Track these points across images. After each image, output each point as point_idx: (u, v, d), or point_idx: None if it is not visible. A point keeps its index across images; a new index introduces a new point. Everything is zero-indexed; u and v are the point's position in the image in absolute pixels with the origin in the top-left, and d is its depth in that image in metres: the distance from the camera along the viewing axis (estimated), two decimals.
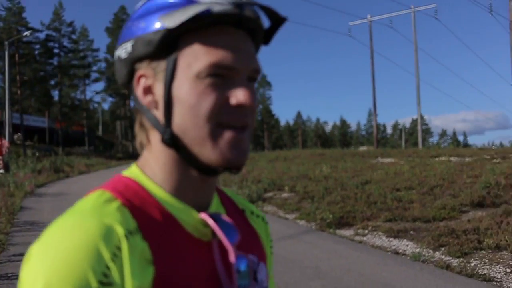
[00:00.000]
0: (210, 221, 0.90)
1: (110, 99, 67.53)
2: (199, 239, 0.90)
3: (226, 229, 0.91)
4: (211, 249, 0.92)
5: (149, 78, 0.91)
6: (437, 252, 7.32)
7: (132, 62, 0.91)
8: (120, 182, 0.90)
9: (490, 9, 33.47)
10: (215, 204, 0.99)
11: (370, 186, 12.95)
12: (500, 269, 6.38)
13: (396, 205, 10.61)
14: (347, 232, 9.18)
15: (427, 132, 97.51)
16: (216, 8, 0.84)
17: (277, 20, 0.94)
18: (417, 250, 7.44)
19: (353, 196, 11.75)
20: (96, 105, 79.53)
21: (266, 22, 0.97)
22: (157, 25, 0.87)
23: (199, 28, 0.87)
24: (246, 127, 0.89)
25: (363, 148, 30.01)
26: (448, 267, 6.59)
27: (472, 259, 6.86)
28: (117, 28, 60.40)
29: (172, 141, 0.88)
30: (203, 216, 0.90)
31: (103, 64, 63.54)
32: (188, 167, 0.90)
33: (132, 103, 1.01)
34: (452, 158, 18.09)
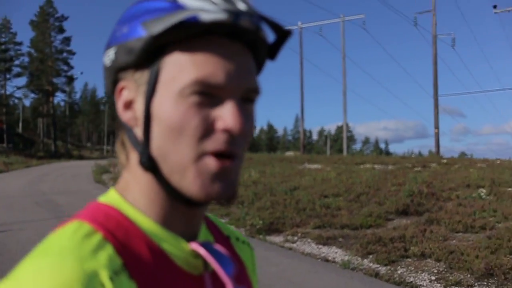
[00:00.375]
0: (203, 252, 0.80)
1: (32, 95, 65.10)
2: (190, 273, 0.80)
3: (220, 259, 0.81)
4: (203, 284, 0.82)
5: (130, 91, 0.80)
6: (365, 260, 7.46)
7: (116, 71, 0.81)
8: (99, 210, 0.79)
9: (415, 22, 35.00)
10: (203, 232, 0.88)
11: (298, 192, 13.11)
12: (425, 277, 6.58)
13: (325, 212, 10.78)
14: (277, 239, 9.20)
15: (351, 139, 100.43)
16: (205, 16, 0.73)
17: (282, 34, 0.82)
18: (346, 257, 7.55)
19: (282, 202, 11.83)
20: (16, 100, 75.99)
21: (271, 34, 0.84)
22: (140, 31, 0.76)
23: (187, 38, 0.76)
24: (234, 156, 0.76)
25: (289, 153, 30.43)
26: (376, 275, 6.72)
27: (399, 267, 7.04)
28: (43, 22, 58.12)
29: (150, 164, 0.78)
30: (194, 246, 0.80)
31: (26, 59, 60.97)
32: (171, 196, 0.79)
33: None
34: (376, 166, 18.67)
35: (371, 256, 7.58)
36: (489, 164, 18.11)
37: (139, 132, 0.80)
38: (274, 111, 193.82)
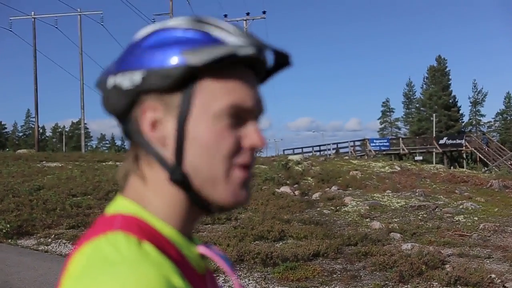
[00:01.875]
0: (212, 255, 0.88)
1: None
2: (199, 274, 0.87)
3: (223, 260, 0.89)
4: (206, 282, 0.89)
5: (158, 112, 0.83)
6: None
7: (140, 93, 0.83)
8: (129, 222, 0.81)
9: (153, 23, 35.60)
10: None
11: (44, 192, 12.45)
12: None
13: (76, 211, 10.58)
14: (29, 242, 8.73)
15: (87, 135, 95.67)
16: (242, 52, 0.82)
17: (281, 64, 0.93)
18: None
19: (28, 203, 11.10)
20: None
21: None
22: (177, 59, 0.80)
23: (218, 67, 0.83)
24: (252, 165, 0.88)
25: (22, 151, 27.99)
26: None
27: None
28: None
29: (183, 180, 0.83)
30: (203, 250, 0.87)
31: None
32: (193, 205, 0.86)
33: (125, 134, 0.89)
34: (118, 163, 18.70)
35: None
36: None
37: (166, 150, 0.83)
38: (2, 105, 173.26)
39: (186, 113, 0.82)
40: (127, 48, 0.87)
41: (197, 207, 0.85)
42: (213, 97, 0.82)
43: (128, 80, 0.82)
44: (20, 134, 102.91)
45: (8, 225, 9.13)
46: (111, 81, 0.85)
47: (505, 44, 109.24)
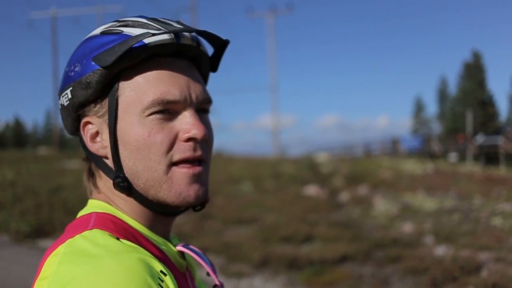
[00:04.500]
0: (191, 253, 0.90)
1: None
2: (180, 272, 0.89)
3: (201, 257, 0.91)
4: (186, 280, 0.90)
5: (94, 124, 0.85)
6: None
7: (75, 108, 0.85)
8: (104, 219, 0.82)
9: (174, 19, 35.90)
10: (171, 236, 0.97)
11: (64, 192, 12.39)
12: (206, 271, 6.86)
13: None
14: (48, 243, 8.58)
15: None
16: (151, 39, 0.79)
17: (220, 44, 0.90)
18: None
19: (47, 204, 11.03)
20: None
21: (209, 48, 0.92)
22: (93, 65, 0.80)
23: (137, 63, 0.81)
24: (202, 160, 0.84)
25: (43, 150, 28.49)
26: None
27: None
28: None
29: (125, 186, 0.83)
30: (181, 249, 0.89)
31: None
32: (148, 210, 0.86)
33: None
34: None
35: None
36: (247, 160, 19.66)
37: (109, 161, 0.85)
38: (22, 105, 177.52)
39: (114, 117, 0.82)
40: (64, 71, 0.87)
41: (149, 209, 0.85)
42: (136, 95, 0.81)
43: (64, 98, 0.85)
44: (41, 133, 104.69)
45: (27, 226, 9.03)
46: (59, 102, 0.88)
47: None
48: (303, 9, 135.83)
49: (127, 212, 0.85)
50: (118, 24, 0.85)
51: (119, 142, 0.82)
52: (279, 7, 36.90)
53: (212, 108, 0.89)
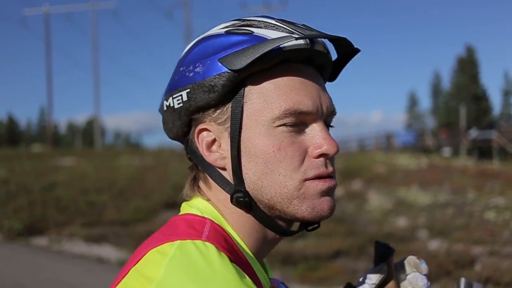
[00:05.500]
0: None
1: None
2: None
3: None
4: None
5: (212, 131, 0.78)
6: None
7: (190, 112, 0.78)
8: (218, 232, 0.75)
9: (168, 15, 35.80)
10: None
11: (57, 190, 12.33)
12: None
13: (90, 209, 10.38)
14: (41, 241, 8.55)
15: (102, 132, 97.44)
16: (288, 44, 0.73)
17: (348, 53, 0.83)
18: (121, 255, 7.41)
19: (41, 201, 10.97)
20: None
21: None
22: (219, 67, 0.73)
23: (266, 68, 0.75)
24: (331, 176, 0.78)
25: (36, 147, 28.39)
26: None
27: None
28: None
29: (246, 202, 0.77)
30: (275, 285, 0.87)
31: None
32: (266, 229, 0.80)
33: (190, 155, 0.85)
34: (134, 159, 18.63)
35: None
36: None
37: (226, 172, 0.78)
38: (15, 102, 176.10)
39: (238, 125, 0.75)
40: (175, 67, 0.82)
41: (268, 228, 0.80)
42: (265, 103, 0.74)
43: (177, 100, 0.78)
44: (35, 130, 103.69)
45: (20, 224, 8.99)
46: (165, 103, 0.82)
47: None
48: (297, 4, 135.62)
49: (236, 228, 0.79)
50: (242, 23, 0.79)
51: (241, 154, 0.76)
52: (273, 3, 37.00)
53: None
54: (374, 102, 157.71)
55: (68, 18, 38.75)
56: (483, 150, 39.81)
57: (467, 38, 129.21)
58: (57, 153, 22.51)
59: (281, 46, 0.72)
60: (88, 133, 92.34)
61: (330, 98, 0.80)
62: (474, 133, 39.88)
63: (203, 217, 0.78)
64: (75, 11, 37.34)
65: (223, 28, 0.79)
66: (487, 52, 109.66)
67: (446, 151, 36.16)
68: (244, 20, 0.79)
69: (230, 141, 0.76)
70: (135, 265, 0.72)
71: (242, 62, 0.71)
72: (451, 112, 59.56)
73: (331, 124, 0.82)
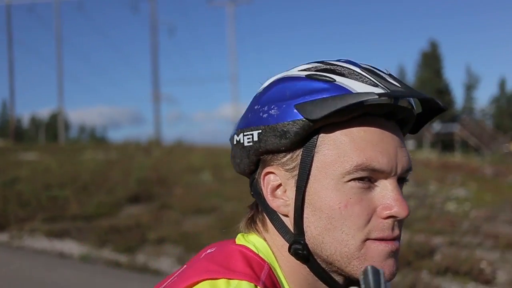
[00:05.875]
0: None
1: None
2: None
3: None
4: None
5: (279, 176, 0.76)
6: (104, 250, 7.34)
7: (259, 153, 0.76)
8: (269, 276, 0.74)
9: (133, 9, 35.35)
10: None
11: (19, 185, 12.07)
12: (166, 261, 6.82)
13: (53, 204, 10.18)
14: (1, 237, 8.36)
15: (66, 126, 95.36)
16: (371, 102, 0.69)
17: (433, 110, 0.79)
18: (84, 250, 7.31)
19: (2, 197, 10.72)
20: None
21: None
22: (295, 114, 0.70)
23: (346, 120, 0.72)
24: (397, 238, 0.75)
25: None
26: (118, 264, 6.69)
27: (139, 254, 7.13)
28: None
29: (304, 255, 0.75)
30: None
31: None
32: (318, 282, 0.77)
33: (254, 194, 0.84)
34: (98, 154, 18.37)
35: (109, 246, 7.49)
36: (207, 149, 19.56)
37: (288, 219, 0.76)
38: None
39: (306, 175, 0.72)
40: (251, 102, 0.80)
41: (322, 282, 0.77)
42: (337, 155, 0.71)
43: (247, 138, 0.76)
44: None
45: None
46: (235, 138, 0.80)
47: (498, 26, 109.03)
48: None
49: (288, 277, 0.78)
50: (324, 68, 0.75)
51: (306, 205, 0.73)
52: None
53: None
54: None
55: (31, 10, 37.48)
56: (446, 143, 40.63)
57: (431, 33, 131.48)
58: (19, 148, 22.01)
59: (362, 101, 0.69)
60: (51, 128, 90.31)
61: (408, 155, 0.77)
62: (437, 126, 40.64)
63: (263, 260, 0.76)
64: (38, 3, 36.24)
65: (304, 70, 0.75)
66: (450, 47, 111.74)
67: (410, 144, 36.76)
68: (327, 64, 0.75)
69: (296, 191, 0.74)
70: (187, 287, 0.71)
71: (319, 112, 0.69)
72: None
73: (407, 178, 0.78)
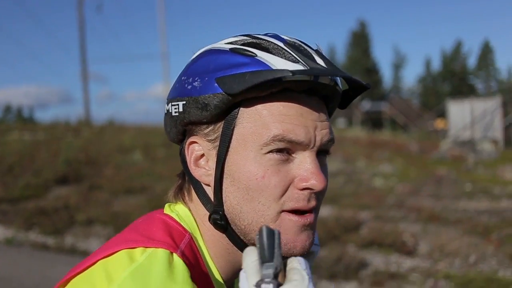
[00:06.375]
0: None
1: None
2: None
3: None
4: None
5: (202, 146, 0.78)
6: (31, 233, 7.14)
7: (184, 123, 0.78)
8: (192, 249, 0.76)
9: None
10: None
11: None
12: (95, 242, 6.71)
13: None
14: None
15: None
16: (289, 78, 0.70)
17: (358, 88, 0.81)
18: (9, 233, 7.07)
19: None
20: None
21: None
22: (215, 87, 0.72)
23: (265, 94, 0.73)
24: (313, 209, 0.76)
25: None
26: (45, 247, 6.53)
27: (68, 236, 6.99)
28: None
29: (222, 225, 0.77)
30: None
31: None
32: (238, 252, 0.79)
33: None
34: (25, 135, 17.68)
35: (36, 229, 7.29)
36: (139, 129, 19.24)
37: (210, 190, 0.77)
38: None
39: (226, 147, 0.74)
40: (181, 72, 0.80)
41: (241, 251, 0.77)
42: (256, 127, 0.72)
43: (174, 108, 0.78)
44: None
45: None
46: (166, 107, 0.81)
47: (425, 5, 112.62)
48: None
49: (209, 246, 0.80)
50: (250, 41, 0.75)
51: (225, 175, 0.74)
52: None
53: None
54: None
55: None
56: (375, 121, 41.86)
57: (360, 12, 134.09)
58: None
59: (282, 77, 0.70)
60: None
61: (329, 128, 0.78)
62: (367, 105, 41.78)
63: (184, 229, 0.78)
64: None
65: (230, 43, 0.76)
66: (379, 27, 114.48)
67: (341, 122, 37.64)
68: (254, 38, 0.76)
69: (216, 161, 0.75)
70: (105, 257, 0.72)
71: (237, 87, 0.70)
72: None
73: (328, 151, 0.79)
